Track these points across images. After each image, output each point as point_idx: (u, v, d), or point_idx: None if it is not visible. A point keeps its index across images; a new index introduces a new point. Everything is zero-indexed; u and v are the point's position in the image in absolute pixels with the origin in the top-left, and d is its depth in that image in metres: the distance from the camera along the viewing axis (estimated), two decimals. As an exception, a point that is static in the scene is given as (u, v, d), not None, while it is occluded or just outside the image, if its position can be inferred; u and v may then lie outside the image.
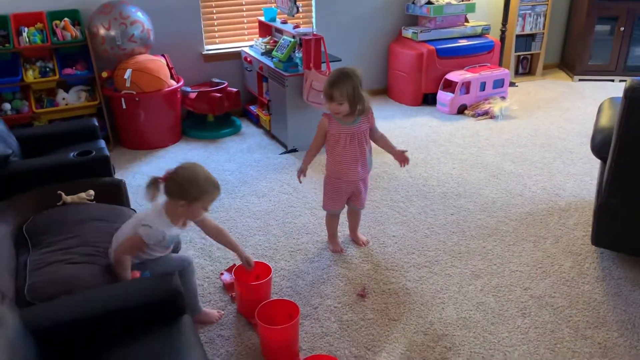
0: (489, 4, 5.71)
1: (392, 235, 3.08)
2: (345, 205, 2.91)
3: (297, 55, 4.15)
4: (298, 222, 3.23)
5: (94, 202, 2.54)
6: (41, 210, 2.43)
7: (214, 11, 4.82)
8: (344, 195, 2.82)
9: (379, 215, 3.29)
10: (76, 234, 2.23)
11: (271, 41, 4.65)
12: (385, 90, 5.61)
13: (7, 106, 4.02)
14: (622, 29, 5.59)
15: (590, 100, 5.25)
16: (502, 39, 5.60)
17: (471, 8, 5.27)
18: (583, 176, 3.74)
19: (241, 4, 4.90)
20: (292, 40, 4.19)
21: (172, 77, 4.38)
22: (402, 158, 2.79)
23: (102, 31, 4.09)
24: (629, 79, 2.44)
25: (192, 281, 2.33)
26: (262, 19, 4.79)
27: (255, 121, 4.83)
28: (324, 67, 4.01)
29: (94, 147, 2.83)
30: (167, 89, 4.24)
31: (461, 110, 5.00)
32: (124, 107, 4.14)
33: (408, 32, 5.26)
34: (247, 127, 4.81)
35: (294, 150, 4.24)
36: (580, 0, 5.86)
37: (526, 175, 3.77)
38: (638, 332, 2.33)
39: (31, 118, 4.10)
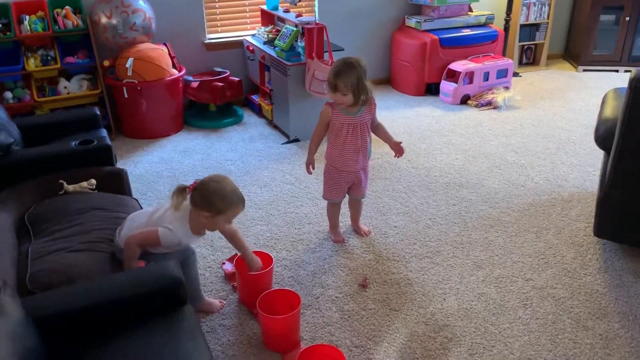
0: (493, -7, 5.67)
1: (394, 226, 3.08)
2: (347, 195, 2.91)
3: (299, 44, 4.13)
4: (300, 212, 3.23)
5: (96, 191, 2.54)
6: (43, 199, 2.43)
7: (216, -1, 4.79)
8: (345, 184, 2.81)
9: (380, 206, 3.28)
10: (78, 222, 2.23)
11: (273, 30, 4.62)
12: (388, 80, 5.59)
13: (8, 95, 4.01)
14: (627, 18, 5.54)
15: (595, 91, 5.22)
16: (506, 28, 5.56)
17: (475, -3, 5.23)
18: (586, 167, 3.73)
19: (243, -7, 4.87)
20: (295, 29, 4.17)
21: (174, 66, 4.37)
22: (397, 148, 2.79)
23: (103, 19, 4.07)
24: (634, 69, 2.42)
25: (194, 270, 2.34)
26: (265, 7, 4.76)
27: (258, 111, 4.82)
28: (326, 56, 3.99)
29: (96, 136, 2.83)
30: (169, 78, 4.22)
31: (464, 101, 4.98)
32: (126, 96, 4.13)
33: (411, 22, 5.22)
34: (249, 116, 4.80)
35: (296, 140, 4.22)
36: (585, -10, 5.81)
37: (529, 166, 3.76)
38: (639, 324, 2.32)
39: (33, 107, 4.09)
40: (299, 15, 4.27)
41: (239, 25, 4.97)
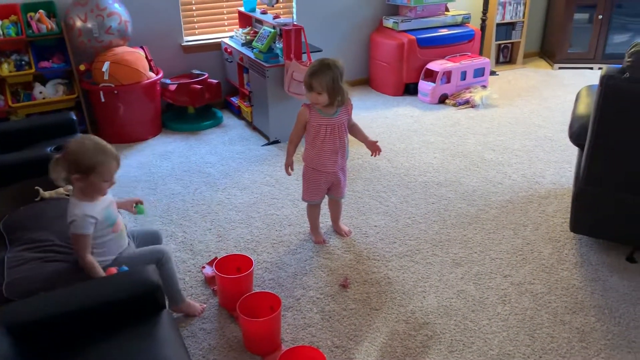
0: (469, -8, 5.73)
1: (374, 225, 3.09)
2: (326, 196, 2.91)
3: (277, 45, 4.13)
4: (280, 214, 3.23)
5: (72, 197, 2.51)
6: (18, 206, 2.40)
7: (193, 1, 4.76)
8: (324, 185, 2.82)
9: (361, 206, 3.30)
10: (54, 229, 2.21)
11: (251, 32, 4.61)
12: (367, 81, 5.61)
13: (-18, 101, 3.95)
14: (600, 17, 5.64)
15: (570, 88, 5.30)
16: (483, 27, 5.62)
17: (451, -3, 5.27)
18: (562, 163, 3.78)
19: (220, -5, 4.85)
20: (273, 30, 4.16)
21: (151, 69, 4.33)
22: (374, 147, 2.81)
23: (78, 23, 4.02)
24: (605, 67, 2.46)
25: (171, 270, 2.27)
26: (242, 9, 4.75)
27: (237, 113, 4.81)
28: (304, 57, 4.00)
29: (72, 141, 2.79)
30: (146, 82, 4.19)
31: (442, 100, 5.02)
32: (103, 100, 4.09)
33: (389, 22, 5.25)
34: (228, 118, 4.78)
35: (276, 142, 4.22)
36: (559, -11, 5.90)
37: (506, 164, 3.81)
38: (615, 317, 2.37)
39: (8, 112, 4.03)
40: (276, 16, 4.27)
41: (216, 27, 4.95)
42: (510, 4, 5.83)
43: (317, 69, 2.53)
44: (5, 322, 1.51)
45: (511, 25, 5.97)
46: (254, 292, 2.39)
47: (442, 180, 3.59)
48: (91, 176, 1.98)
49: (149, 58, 4.36)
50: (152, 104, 4.34)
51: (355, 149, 3.76)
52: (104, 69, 4.00)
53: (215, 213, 3.25)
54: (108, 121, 4.25)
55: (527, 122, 4.54)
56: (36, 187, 2.48)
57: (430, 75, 5.07)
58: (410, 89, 5.25)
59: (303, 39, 3.93)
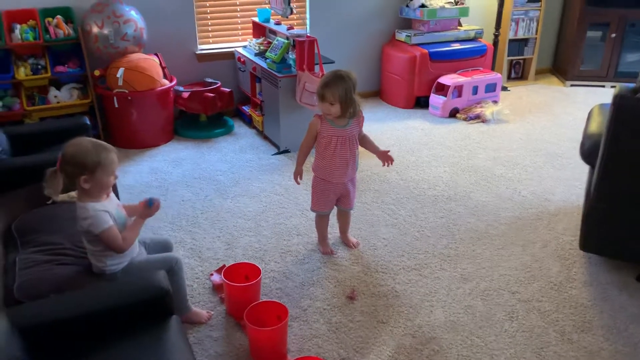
0: (482, 8, 5.74)
1: (382, 238, 3.09)
2: (335, 207, 2.92)
3: (290, 56, 4.16)
4: (289, 224, 3.24)
5: (84, 201, 2.53)
6: (31, 208, 2.42)
7: (208, 11, 4.82)
8: (333, 196, 2.83)
9: (369, 217, 3.30)
10: (66, 233, 2.23)
11: (265, 42, 4.65)
12: (378, 93, 5.63)
13: (-2, 103, 4.00)
14: (613, 35, 5.63)
15: (582, 106, 5.28)
16: (495, 43, 5.63)
17: (464, 12, 5.29)
18: (573, 181, 3.77)
19: (235, 5, 4.90)
20: (286, 41, 4.20)
21: (164, 76, 4.38)
22: (385, 157, 2.81)
23: (95, 29, 4.07)
24: (618, 85, 2.46)
25: (181, 279, 2.30)
26: (256, 19, 4.79)
27: (248, 121, 4.83)
28: (317, 68, 4.02)
29: (85, 145, 2.81)
30: (159, 88, 4.23)
31: (453, 114, 5.03)
32: (116, 105, 4.13)
33: (401, 35, 5.28)
34: (239, 127, 4.81)
35: (287, 151, 4.24)
36: (572, 7, 5.91)
37: (516, 179, 3.80)
38: (623, 337, 2.35)
39: (22, 115, 4.08)
40: (290, 27, 4.30)
41: (230, 37, 5.00)
42: (523, 20, 5.84)
43: (331, 79, 2.55)
44: (16, 324, 1.52)
45: (524, 42, 5.98)
46: (261, 301, 2.39)
47: (452, 195, 3.58)
48: (97, 173, 2.00)
49: (163, 65, 4.41)
50: (164, 111, 4.37)
51: (365, 161, 3.77)
52: (118, 75, 4.04)
53: (224, 220, 3.27)
54: (121, 127, 4.29)
55: (538, 138, 4.54)
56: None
57: (442, 89, 5.08)
58: (422, 102, 5.26)
59: (316, 51, 3.96)
